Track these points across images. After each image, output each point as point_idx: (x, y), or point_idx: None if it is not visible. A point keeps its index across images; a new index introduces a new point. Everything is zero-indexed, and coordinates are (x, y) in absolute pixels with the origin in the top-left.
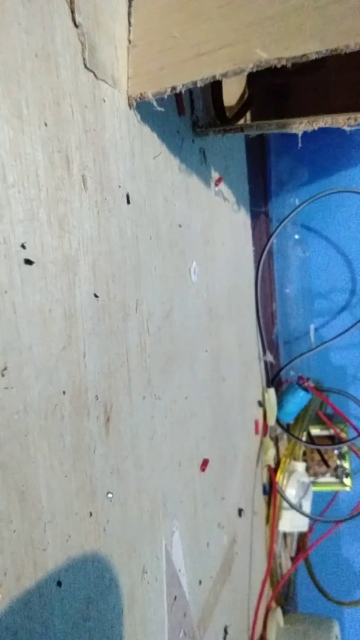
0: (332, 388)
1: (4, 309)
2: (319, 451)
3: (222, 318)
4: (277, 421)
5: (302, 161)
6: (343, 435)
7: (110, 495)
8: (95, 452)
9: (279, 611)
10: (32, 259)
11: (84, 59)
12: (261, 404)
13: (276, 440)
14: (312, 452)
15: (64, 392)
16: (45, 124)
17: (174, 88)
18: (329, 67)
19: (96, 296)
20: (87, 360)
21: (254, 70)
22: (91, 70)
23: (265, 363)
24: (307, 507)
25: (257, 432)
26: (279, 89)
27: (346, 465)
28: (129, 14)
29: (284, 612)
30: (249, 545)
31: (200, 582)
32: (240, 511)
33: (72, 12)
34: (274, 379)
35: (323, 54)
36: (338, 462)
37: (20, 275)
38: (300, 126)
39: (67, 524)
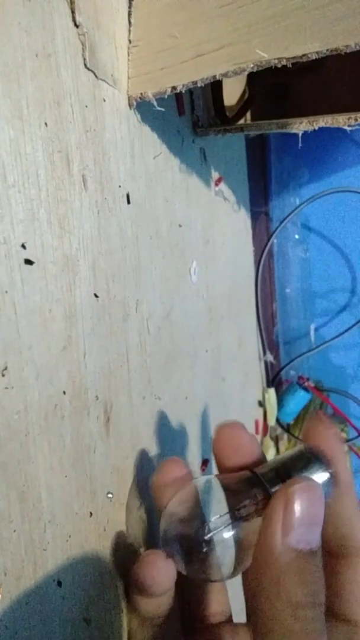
0: (332, 388)
1: (4, 309)
2: None
3: (222, 318)
4: (277, 421)
5: (302, 161)
6: (343, 435)
7: (110, 495)
8: (95, 452)
9: None
10: (32, 259)
11: (84, 59)
12: (261, 404)
13: (276, 440)
14: None
15: (64, 392)
16: (46, 124)
17: (174, 88)
18: (329, 67)
19: (96, 296)
20: (87, 360)
21: (254, 70)
22: (91, 70)
23: (265, 363)
24: None
25: (257, 432)
26: (279, 89)
27: None
28: (129, 14)
29: None
30: None
31: None
32: None
33: (72, 12)
34: (274, 379)
35: (323, 54)
36: None
37: (20, 275)
38: (300, 126)
39: (67, 524)
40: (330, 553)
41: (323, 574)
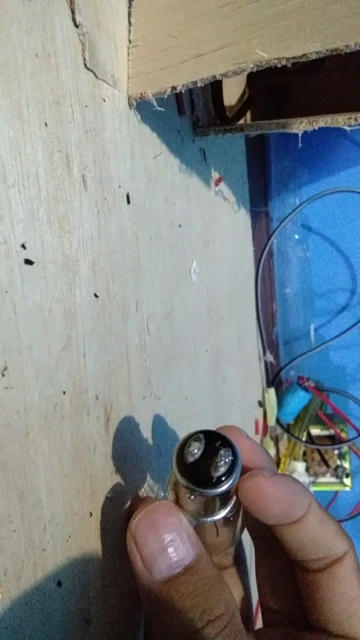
0: (332, 388)
1: (4, 309)
2: (319, 451)
3: (222, 318)
4: (277, 421)
5: (302, 161)
6: (343, 435)
7: (110, 495)
8: (95, 452)
9: None
10: (32, 259)
11: (84, 59)
12: (261, 404)
13: (276, 440)
14: (312, 452)
15: (64, 392)
16: (46, 124)
17: (174, 88)
18: (329, 67)
19: (96, 296)
20: (87, 360)
21: (254, 70)
22: (91, 70)
23: (265, 363)
24: None
25: (257, 432)
26: (279, 89)
27: (346, 465)
28: (129, 14)
29: None
30: (250, 546)
31: None
32: None
33: (72, 12)
34: (274, 379)
35: (323, 54)
36: (338, 462)
37: (20, 275)
38: (300, 126)
39: (67, 524)
40: (307, 569)
41: (212, 581)
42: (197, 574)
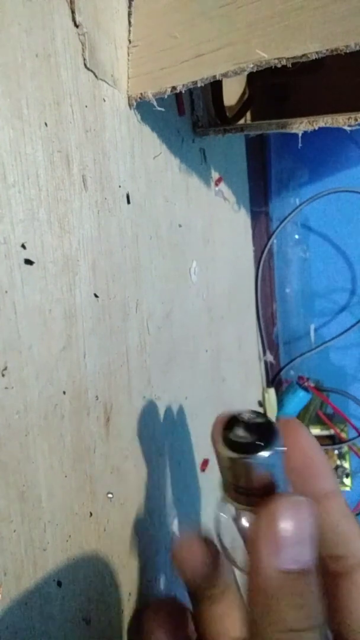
0: (332, 388)
1: (4, 309)
2: None
3: (222, 318)
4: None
5: (302, 161)
6: (343, 435)
7: (110, 495)
8: (95, 452)
9: None
10: (32, 259)
11: (84, 59)
12: (261, 404)
13: None
14: None
15: (64, 392)
16: (46, 124)
17: (174, 88)
18: (329, 67)
19: (96, 296)
20: (87, 360)
21: (254, 70)
22: (91, 70)
23: (265, 363)
24: None
25: None
26: (279, 89)
27: (346, 465)
28: (129, 14)
29: None
30: None
31: None
32: None
33: (72, 12)
34: (274, 379)
35: (323, 54)
36: (338, 462)
37: (20, 275)
38: (300, 126)
39: (67, 524)
40: (327, 571)
41: (320, 593)
42: (312, 578)
